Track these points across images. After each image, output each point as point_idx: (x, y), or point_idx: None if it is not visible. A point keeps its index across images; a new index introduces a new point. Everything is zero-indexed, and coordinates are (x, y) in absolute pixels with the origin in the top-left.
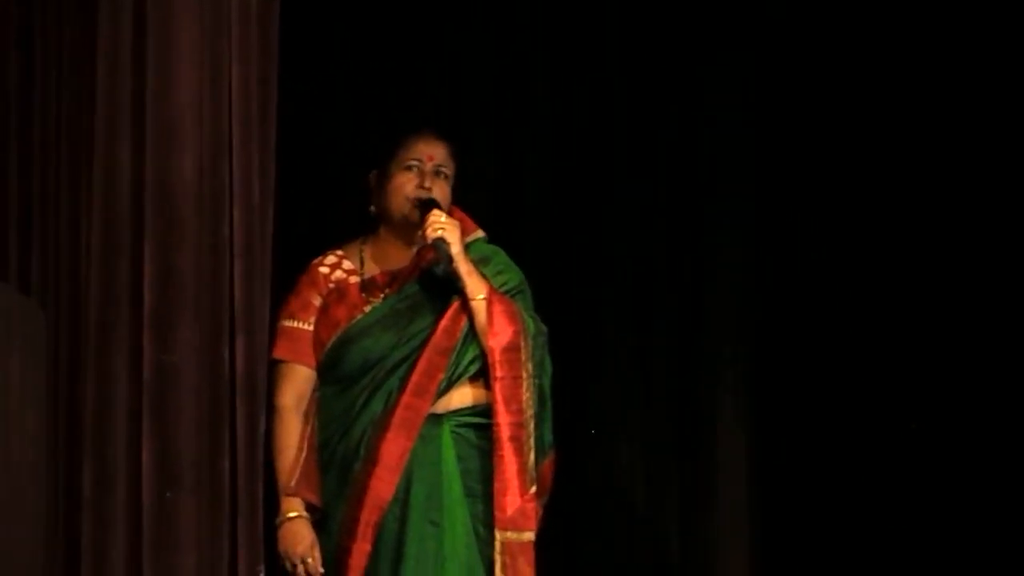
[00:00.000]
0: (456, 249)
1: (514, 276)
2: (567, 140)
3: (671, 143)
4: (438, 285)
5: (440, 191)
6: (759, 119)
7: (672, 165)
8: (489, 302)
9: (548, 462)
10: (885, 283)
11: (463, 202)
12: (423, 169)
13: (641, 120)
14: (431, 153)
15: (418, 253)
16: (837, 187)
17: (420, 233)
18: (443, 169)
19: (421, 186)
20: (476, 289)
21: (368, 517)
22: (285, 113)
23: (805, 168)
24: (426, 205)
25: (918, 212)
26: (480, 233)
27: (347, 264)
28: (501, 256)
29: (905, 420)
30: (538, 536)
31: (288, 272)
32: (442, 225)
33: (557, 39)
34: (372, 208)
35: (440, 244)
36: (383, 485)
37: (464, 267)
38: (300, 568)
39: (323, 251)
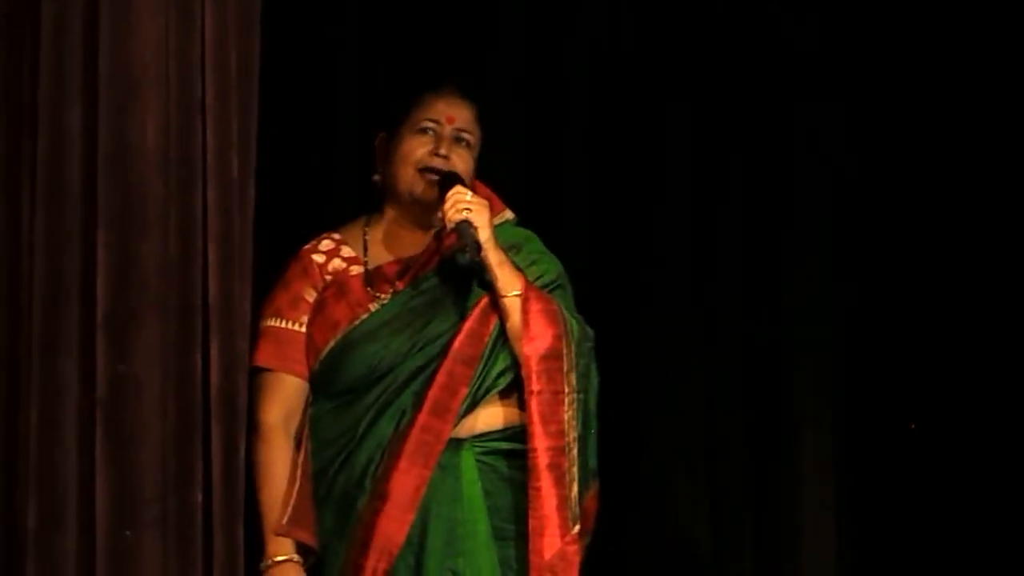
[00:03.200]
0: (485, 234)
1: (551, 267)
2: (610, 103)
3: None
4: (461, 278)
5: (461, 161)
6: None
7: (746, 142)
8: (525, 299)
9: (592, 495)
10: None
11: (488, 176)
12: (440, 133)
13: (709, 90)
14: (452, 114)
15: (436, 238)
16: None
17: (439, 214)
18: (465, 135)
19: (435, 153)
20: (509, 284)
21: (375, 565)
22: (268, 67)
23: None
24: (447, 180)
25: (925, 210)
26: (509, 214)
27: (347, 251)
28: (535, 243)
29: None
30: None
31: (271, 262)
32: (467, 204)
33: None
34: (376, 177)
35: (465, 228)
36: (394, 526)
37: (495, 256)
38: None
39: (316, 235)
